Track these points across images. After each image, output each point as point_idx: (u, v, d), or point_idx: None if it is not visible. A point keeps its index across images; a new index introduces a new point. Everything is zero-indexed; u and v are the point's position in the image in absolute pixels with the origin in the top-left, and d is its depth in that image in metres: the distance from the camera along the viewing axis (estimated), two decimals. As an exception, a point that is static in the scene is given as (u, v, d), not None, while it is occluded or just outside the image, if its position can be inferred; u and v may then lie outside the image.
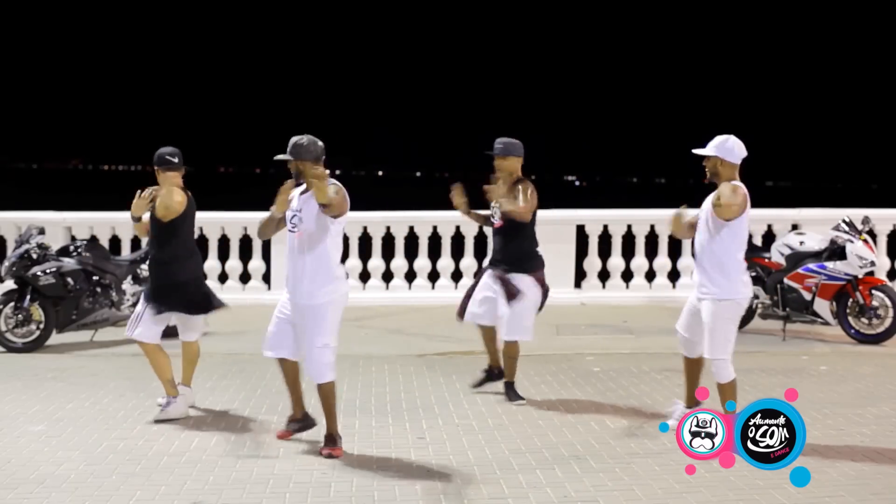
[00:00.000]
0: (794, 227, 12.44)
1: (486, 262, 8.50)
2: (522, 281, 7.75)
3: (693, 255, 6.91)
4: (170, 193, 7.33)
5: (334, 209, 6.38)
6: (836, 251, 10.33)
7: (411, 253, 13.26)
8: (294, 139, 6.56)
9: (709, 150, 6.62)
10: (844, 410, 7.55)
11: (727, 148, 6.59)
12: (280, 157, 6.55)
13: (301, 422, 6.89)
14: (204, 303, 7.60)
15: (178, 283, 7.38)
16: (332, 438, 6.55)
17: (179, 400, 7.40)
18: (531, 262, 7.82)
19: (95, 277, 10.33)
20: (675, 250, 13.08)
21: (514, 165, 7.82)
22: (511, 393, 7.93)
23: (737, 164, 6.61)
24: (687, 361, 7.02)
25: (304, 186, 6.54)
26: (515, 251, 7.79)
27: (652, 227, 13.17)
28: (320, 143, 6.59)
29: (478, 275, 8.28)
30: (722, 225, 6.53)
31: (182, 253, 7.44)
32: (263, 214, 6.78)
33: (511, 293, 7.72)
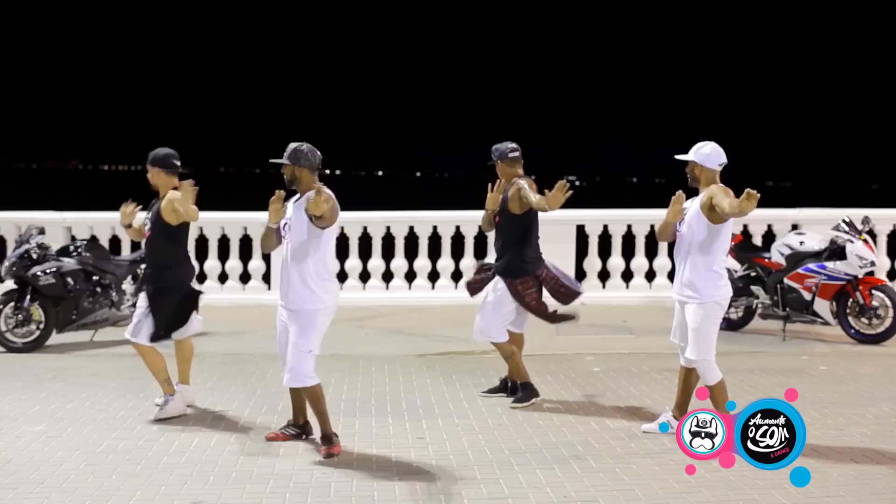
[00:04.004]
0: (794, 227, 12.43)
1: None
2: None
3: (671, 258, 6.88)
4: (187, 198, 7.13)
5: (325, 220, 6.38)
6: (836, 251, 10.33)
7: (411, 253, 13.26)
8: (294, 145, 6.55)
9: (688, 156, 6.77)
10: (844, 410, 7.55)
11: (704, 154, 6.72)
12: (278, 160, 6.53)
13: (301, 428, 6.84)
14: (187, 311, 7.52)
15: (169, 289, 7.35)
16: (328, 438, 6.55)
17: (177, 398, 7.39)
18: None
19: (95, 277, 10.33)
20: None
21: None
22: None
23: (715, 170, 6.69)
24: (684, 370, 6.93)
25: (297, 195, 6.56)
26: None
27: (652, 227, 13.13)
28: (319, 153, 6.59)
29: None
30: (711, 228, 6.56)
31: (178, 259, 7.43)
32: (264, 215, 6.77)
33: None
